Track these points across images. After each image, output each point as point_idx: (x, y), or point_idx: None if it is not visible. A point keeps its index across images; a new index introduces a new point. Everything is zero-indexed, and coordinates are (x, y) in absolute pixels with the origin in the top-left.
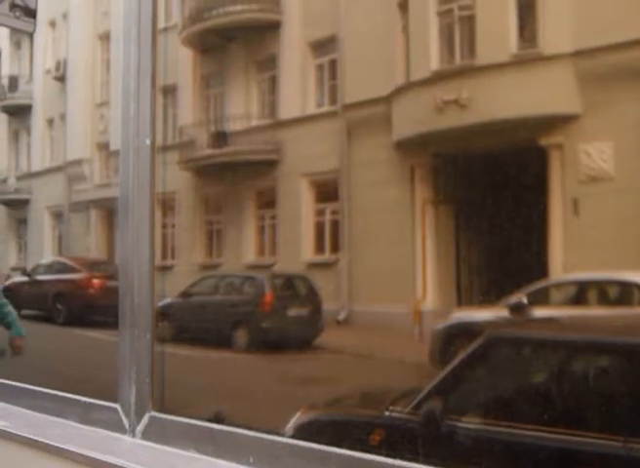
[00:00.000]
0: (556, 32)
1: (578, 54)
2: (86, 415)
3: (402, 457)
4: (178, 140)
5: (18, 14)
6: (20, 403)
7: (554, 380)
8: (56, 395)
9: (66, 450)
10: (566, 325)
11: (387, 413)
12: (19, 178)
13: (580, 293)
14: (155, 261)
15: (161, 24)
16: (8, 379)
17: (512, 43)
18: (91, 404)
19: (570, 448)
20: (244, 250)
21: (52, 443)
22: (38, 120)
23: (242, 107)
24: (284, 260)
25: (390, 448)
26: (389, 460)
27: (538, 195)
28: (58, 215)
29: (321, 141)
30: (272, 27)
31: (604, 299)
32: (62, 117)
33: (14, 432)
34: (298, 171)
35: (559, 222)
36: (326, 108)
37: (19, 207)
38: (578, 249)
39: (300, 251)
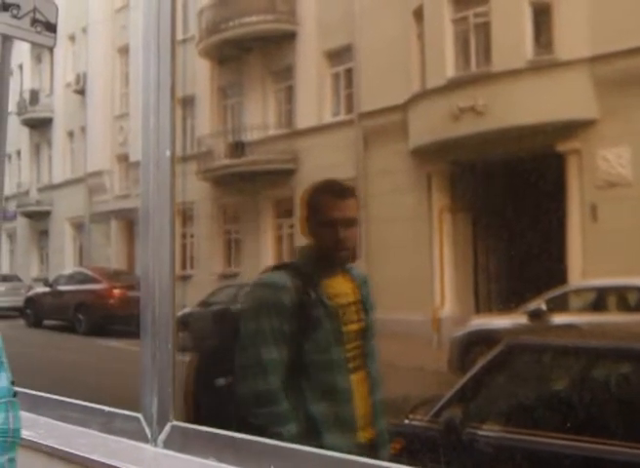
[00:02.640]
0: (572, 38)
1: (594, 59)
2: (109, 425)
3: (422, 466)
4: (196, 151)
5: (39, 29)
6: (45, 413)
7: (574, 387)
8: (80, 405)
9: (91, 460)
10: (586, 331)
11: (407, 421)
12: (40, 190)
13: (600, 300)
14: (175, 271)
15: (179, 36)
16: (32, 389)
17: (528, 49)
18: (114, 413)
19: (591, 455)
20: (262, 259)
21: (77, 452)
22: (59, 133)
23: (259, 117)
24: None
25: (410, 457)
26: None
27: (555, 201)
28: (78, 227)
29: (338, 150)
30: (288, 38)
31: (624, 305)
32: (83, 129)
33: (39, 442)
34: (315, 179)
35: (577, 228)
36: (342, 117)
37: (40, 218)
38: (596, 254)
39: None
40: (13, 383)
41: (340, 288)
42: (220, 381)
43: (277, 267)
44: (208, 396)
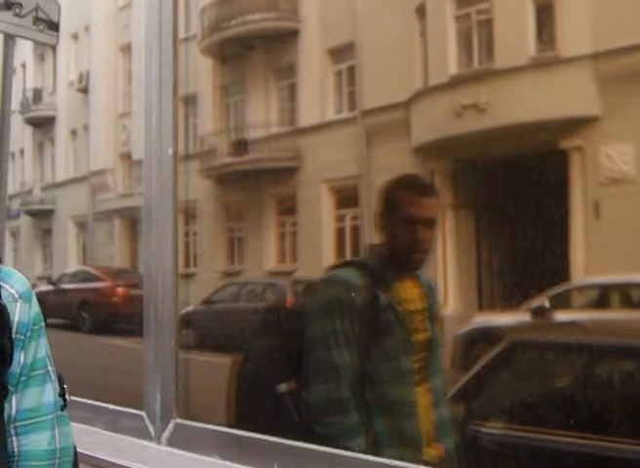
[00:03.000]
0: (575, 34)
1: (597, 56)
2: (113, 423)
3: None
4: (199, 149)
5: (41, 27)
6: None
7: (578, 385)
8: (84, 403)
9: (95, 458)
10: (589, 329)
11: None
12: (43, 189)
13: (603, 297)
14: (178, 269)
15: (181, 35)
16: None
17: (531, 46)
18: (118, 411)
19: (595, 453)
20: (265, 256)
21: (81, 450)
22: (62, 131)
23: (262, 115)
24: (305, 267)
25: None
26: (413, 466)
27: (558, 198)
28: (82, 225)
29: (340, 148)
30: (291, 35)
31: (627, 303)
32: (86, 128)
33: None
34: (318, 177)
35: (580, 225)
36: (345, 115)
37: (43, 217)
38: (599, 252)
39: (320, 257)
40: (64, 393)
41: (409, 293)
42: (282, 387)
43: (346, 264)
44: (264, 402)
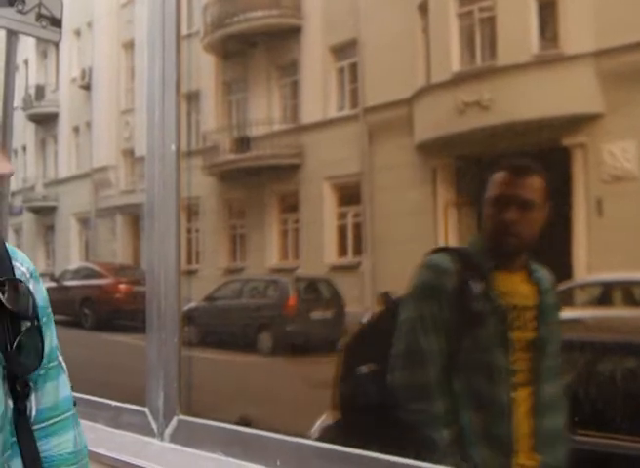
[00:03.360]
0: (577, 32)
1: (599, 53)
2: (116, 419)
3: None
4: (201, 146)
5: (44, 24)
6: None
7: (580, 382)
8: (87, 399)
9: (98, 454)
10: (591, 326)
11: None
12: (46, 186)
13: (605, 294)
14: (181, 266)
15: (183, 31)
16: None
17: (533, 43)
18: (120, 408)
19: (598, 450)
20: (267, 253)
21: None
22: (64, 128)
23: (264, 112)
24: (307, 264)
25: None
26: (415, 462)
27: (561, 196)
28: (84, 222)
29: (343, 145)
30: (293, 32)
31: (629, 300)
32: (88, 125)
33: None
34: (320, 174)
35: (583, 223)
36: (347, 112)
37: (46, 213)
38: (602, 249)
39: (322, 254)
40: (72, 388)
41: (515, 287)
42: (362, 369)
43: (440, 249)
44: (349, 384)
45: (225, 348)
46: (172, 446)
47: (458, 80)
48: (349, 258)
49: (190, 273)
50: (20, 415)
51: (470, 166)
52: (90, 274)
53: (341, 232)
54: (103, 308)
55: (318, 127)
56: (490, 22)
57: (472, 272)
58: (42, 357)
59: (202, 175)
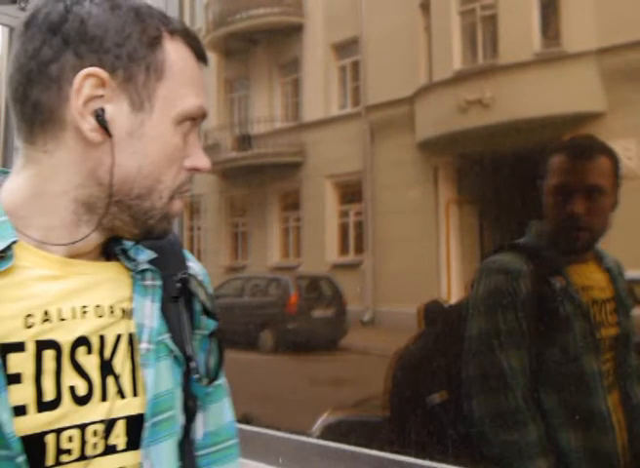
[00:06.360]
0: (580, 30)
1: (601, 52)
2: None
3: (432, 458)
4: (203, 144)
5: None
6: None
7: None
8: None
9: None
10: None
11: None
12: None
13: None
14: None
15: None
16: None
17: (535, 42)
18: None
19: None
20: (269, 251)
21: None
22: None
23: (266, 110)
24: (309, 262)
25: (420, 449)
26: (418, 461)
27: None
28: None
29: (344, 143)
30: (295, 30)
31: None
32: None
33: None
34: (321, 172)
35: None
36: (349, 110)
37: None
38: (603, 247)
39: (324, 252)
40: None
41: (591, 279)
42: (434, 399)
43: (505, 247)
44: (416, 417)
45: (227, 346)
46: None
47: (459, 78)
48: (351, 256)
49: None
50: (185, 437)
51: (472, 164)
52: None
53: (343, 230)
54: None
55: (320, 125)
56: (492, 21)
57: (547, 269)
58: (220, 366)
59: (204, 172)
